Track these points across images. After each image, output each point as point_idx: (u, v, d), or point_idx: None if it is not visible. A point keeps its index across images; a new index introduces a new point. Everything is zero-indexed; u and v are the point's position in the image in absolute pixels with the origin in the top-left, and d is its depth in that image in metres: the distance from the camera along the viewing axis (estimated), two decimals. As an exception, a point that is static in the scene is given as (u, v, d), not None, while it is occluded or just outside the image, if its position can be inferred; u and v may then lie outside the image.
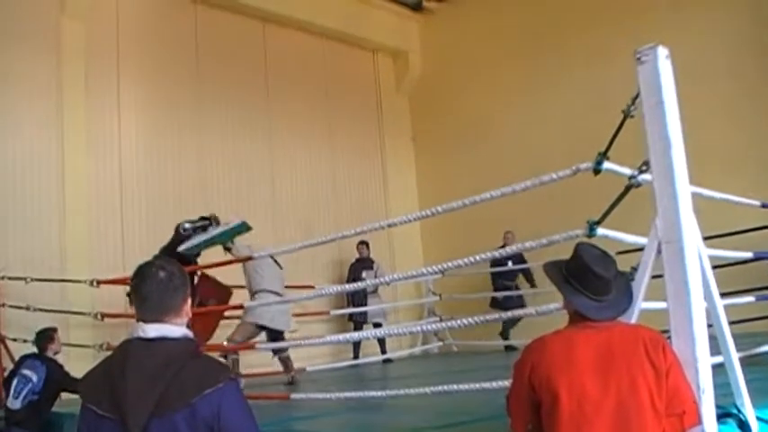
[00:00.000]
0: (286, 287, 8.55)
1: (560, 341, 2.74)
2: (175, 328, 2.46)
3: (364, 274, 11.06)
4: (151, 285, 2.48)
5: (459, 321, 4.52)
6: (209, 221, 7.81)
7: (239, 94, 11.66)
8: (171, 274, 2.52)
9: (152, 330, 2.42)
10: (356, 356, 10.98)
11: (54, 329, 7.32)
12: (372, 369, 10.40)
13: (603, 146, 3.61)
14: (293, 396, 5.50)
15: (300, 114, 12.38)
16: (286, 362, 8.17)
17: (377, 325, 11.14)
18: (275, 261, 8.24)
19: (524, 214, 9.84)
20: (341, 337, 8.26)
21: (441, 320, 10.56)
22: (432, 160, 13.76)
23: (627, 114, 3.31)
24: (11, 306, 8.23)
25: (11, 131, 9.20)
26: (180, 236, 7.63)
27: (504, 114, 12.30)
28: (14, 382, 6.75)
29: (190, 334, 2.52)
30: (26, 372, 6.81)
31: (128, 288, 8.12)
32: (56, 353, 7.12)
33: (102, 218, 9.83)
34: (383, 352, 11.20)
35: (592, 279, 2.76)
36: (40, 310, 8.20)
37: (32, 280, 8.26)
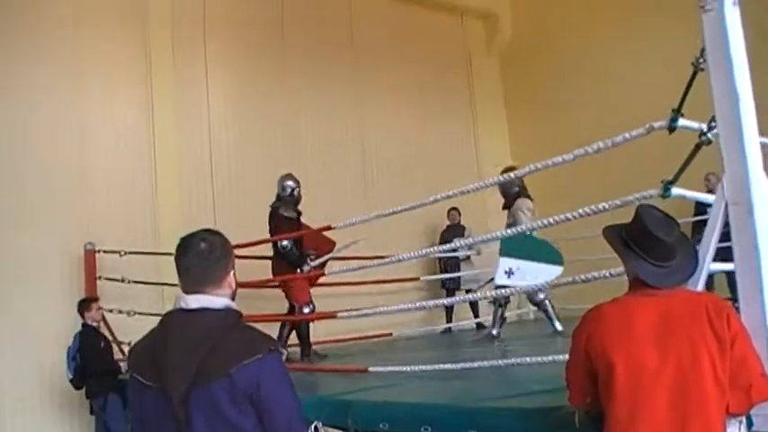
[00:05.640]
0: (378, 257, 8.51)
1: (617, 309, 2.61)
2: (217, 299, 2.48)
3: (455, 241, 10.95)
4: (192, 257, 2.51)
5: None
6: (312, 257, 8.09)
7: (325, 61, 11.59)
8: (212, 245, 2.54)
9: (193, 301, 2.45)
10: (449, 321, 10.97)
11: (93, 299, 7.72)
12: (464, 335, 10.32)
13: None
14: (371, 369, 5.49)
15: (388, 80, 12.28)
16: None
17: (469, 292, 11.04)
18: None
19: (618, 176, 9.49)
20: (431, 302, 8.25)
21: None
22: (524, 123, 13.40)
23: (697, 67, 3.11)
24: (107, 279, 8.51)
25: (99, 105, 9.36)
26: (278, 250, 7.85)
27: (599, 76, 11.81)
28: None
29: (233, 305, 2.53)
30: (71, 345, 7.36)
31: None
32: (94, 320, 7.49)
33: (195, 189, 9.98)
34: (476, 316, 11.13)
35: (653, 244, 2.60)
36: (135, 282, 8.48)
37: (126, 253, 8.47)
